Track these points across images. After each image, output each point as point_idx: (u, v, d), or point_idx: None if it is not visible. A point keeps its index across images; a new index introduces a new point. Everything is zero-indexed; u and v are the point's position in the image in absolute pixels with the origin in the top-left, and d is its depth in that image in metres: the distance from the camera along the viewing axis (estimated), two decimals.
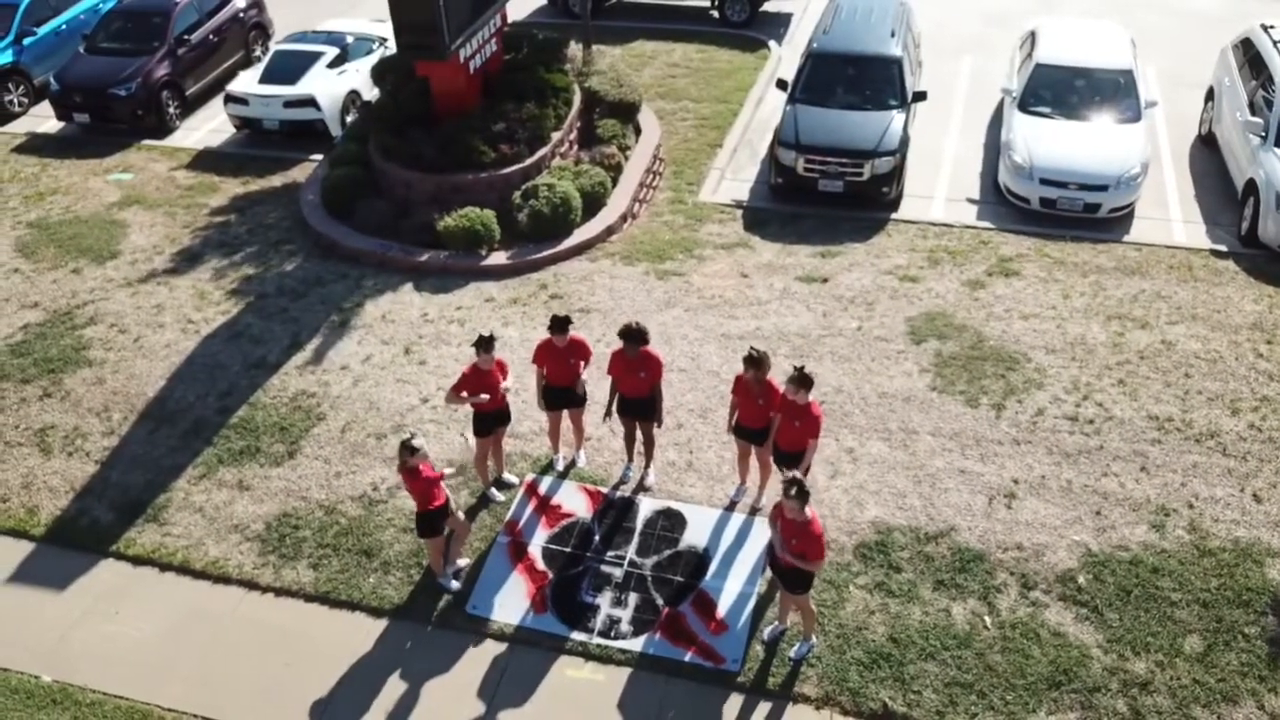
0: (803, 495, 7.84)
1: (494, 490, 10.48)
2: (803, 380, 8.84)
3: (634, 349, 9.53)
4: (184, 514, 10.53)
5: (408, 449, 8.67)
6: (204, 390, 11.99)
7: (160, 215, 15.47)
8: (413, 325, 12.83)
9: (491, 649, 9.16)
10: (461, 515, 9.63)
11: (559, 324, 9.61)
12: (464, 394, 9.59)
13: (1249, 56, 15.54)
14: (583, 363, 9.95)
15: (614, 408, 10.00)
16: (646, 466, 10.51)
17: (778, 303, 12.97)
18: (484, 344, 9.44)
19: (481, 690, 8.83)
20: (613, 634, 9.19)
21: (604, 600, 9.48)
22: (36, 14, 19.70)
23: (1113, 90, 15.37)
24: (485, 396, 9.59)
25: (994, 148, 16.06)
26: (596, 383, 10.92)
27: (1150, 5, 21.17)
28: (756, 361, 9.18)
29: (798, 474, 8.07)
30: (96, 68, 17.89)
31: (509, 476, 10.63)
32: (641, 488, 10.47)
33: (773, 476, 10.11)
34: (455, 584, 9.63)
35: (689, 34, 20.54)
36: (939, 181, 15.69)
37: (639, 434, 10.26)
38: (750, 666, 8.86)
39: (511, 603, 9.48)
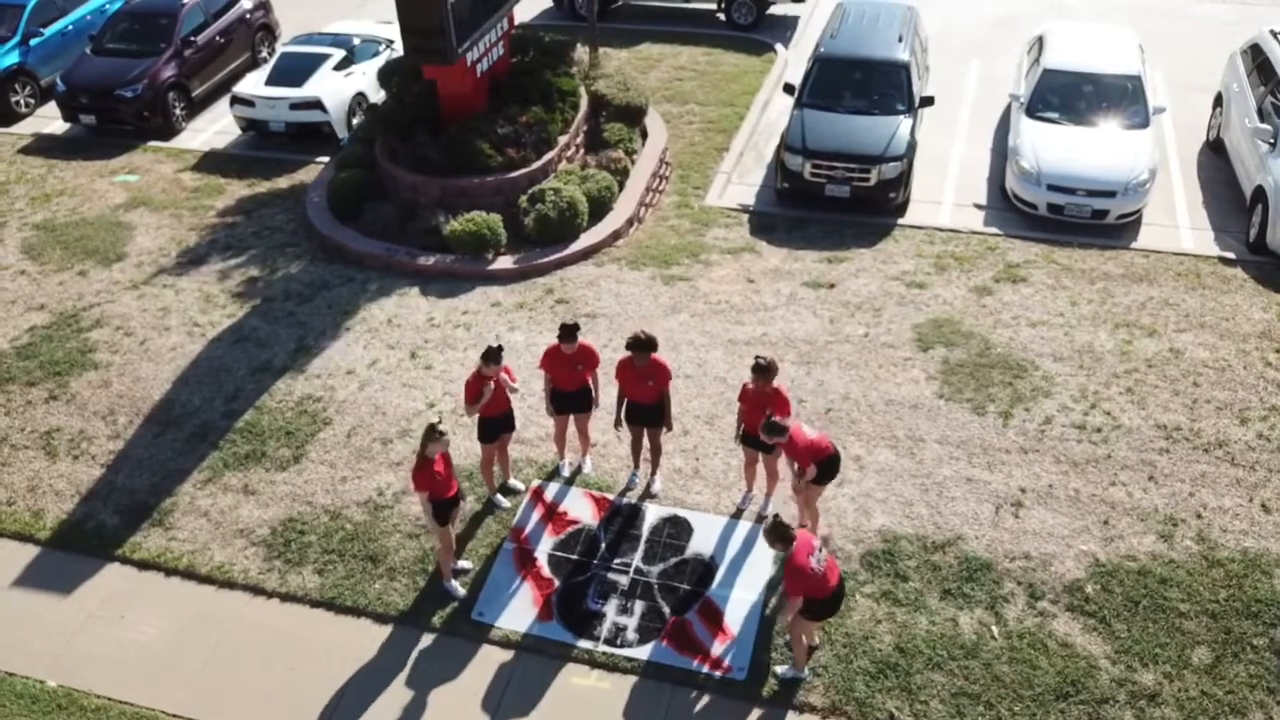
0: (769, 532, 8.06)
1: (499, 496, 10.47)
2: (773, 428, 8.94)
3: (643, 358, 9.52)
4: (189, 518, 10.52)
5: (435, 433, 8.70)
6: (210, 394, 11.99)
7: (166, 217, 15.47)
8: (419, 329, 12.82)
9: (497, 656, 9.14)
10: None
11: (568, 332, 9.60)
12: (474, 400, 9.60)
13: (1258, 62, 15.49)
14: (591, 370, 9.94)
15: (622, 415, 9.99)
16: (653, 473, 10.49)
17: (784, 308, 12.94)
18: (493, 355, 9.46)
19: (487, 697, 8.81)
20: (619, 642, 9.17)
21: (610, 608, 9.45)
22: (43, 15, 19.69)
23: (1121, 96, 15.33)
24: (491, 386, 9.59)
25: (1001, 153, 16.02)
26: (604, 390, 10.91)
27: (1158, 10, 21.12)
28: (765, 369, 9.17)
29: (776, 513, 8.36)
30: (103, 69, 17.88)
31: (514, 483, 10.61)
32: (648, 495, 10.44)
33: (780, 484, 10.10)
34: (460, 589, 9.60)
35: (695, 37, 20.51)
36: (946, 187, 15.66)
37: (646, 441, 10.24)
38: (757, 675, 8.83)
39: (517, 610, 9.46)
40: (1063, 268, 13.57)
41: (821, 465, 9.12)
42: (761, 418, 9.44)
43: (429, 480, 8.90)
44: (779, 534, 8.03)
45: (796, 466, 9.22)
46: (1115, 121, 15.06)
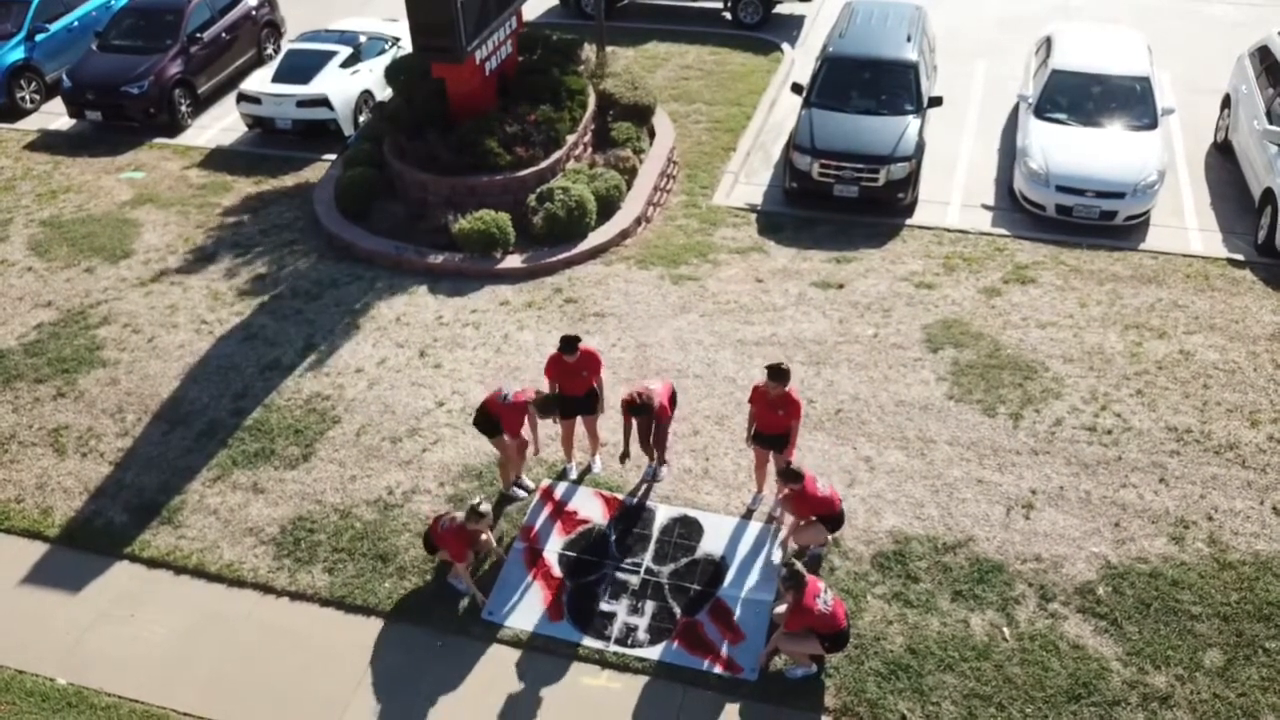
0: (785, 580, 8.37)
1: (515, 489, 10.45)
2: (789, 475, 9.19)
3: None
4: (198, 516, 10.50)
5: (475, 514, 9.03)
6: (218, 392, 11.97)
7: (173, 214, 15.45)
8: (427, 328, 12.80)
9: (507, 655, 9.13)
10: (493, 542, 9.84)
11: (568, 344, 9.68)
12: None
13: (1266, 64, 15.47)
14: (595, 375, 10.00)
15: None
16: (660, 463, 10.47)
17: (793, 308, 12.92)
18: (549, 407, 9.79)
19: (497, 697, 8.80)
20: (629, 642, 9.16)
21: (621, 608, 9.44)
22: (49, 11, 19.69)
23: (1129, 97, 15.31)
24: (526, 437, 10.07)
25: (1009, 153, 16.00)
26: (612, 388, 10.92)
27: (1167, 11, 21.10)
28: (783, 374, 9.29)
29: (794, 560, 8.66)
30: (109, 65, 17.86)
31: (525, 480, 10.59)
32: (654, 480, 10.47)
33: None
34: (465, 587, 9.56)
35: (702, 36, 20.48)
36: (954, 187, 15.64)
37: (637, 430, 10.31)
38: (767, 676, 8.82)
39: (528, 609, 9.45)
40: (1071, 269, 13.55)
41: (824, 519, 9.39)
42: (773, 418, 9.49)
43: (460, 549, 9.21)
44: (793, 582, 8.29)
45: (791, 508, 9.48)
46: (1124, 123, 15.04)
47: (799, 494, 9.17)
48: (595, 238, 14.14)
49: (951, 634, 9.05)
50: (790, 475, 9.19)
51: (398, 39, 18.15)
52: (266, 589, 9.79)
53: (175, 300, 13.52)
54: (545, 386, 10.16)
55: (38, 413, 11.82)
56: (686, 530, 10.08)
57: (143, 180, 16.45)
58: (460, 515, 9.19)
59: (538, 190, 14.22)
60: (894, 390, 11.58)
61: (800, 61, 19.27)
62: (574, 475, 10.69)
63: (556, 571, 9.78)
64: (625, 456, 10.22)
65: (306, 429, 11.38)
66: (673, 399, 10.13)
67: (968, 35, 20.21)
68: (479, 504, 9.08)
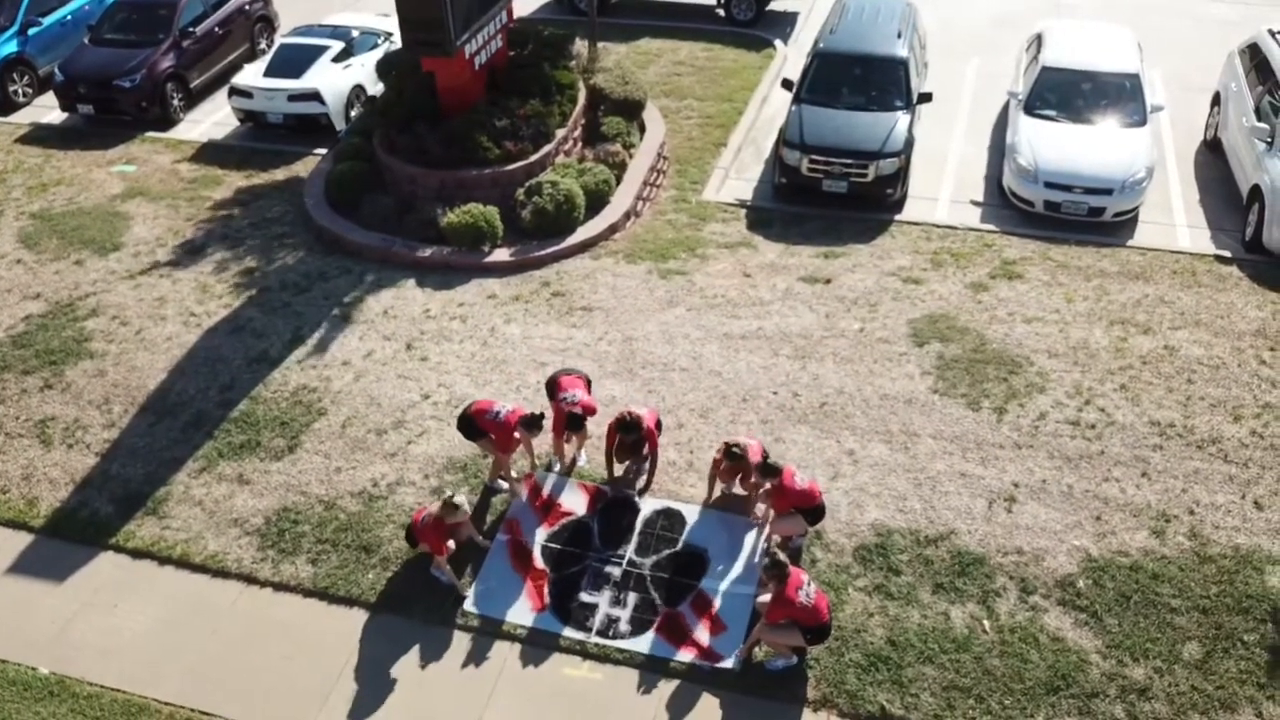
0: (767, 569, 8.47)
1: (499, 481, 10.49)
2: (768, 470, 9.39)
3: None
4: (184, 507, 10.52)
5: (449, 507, 9.14)
6: (205, 384, 11.98)
7: (163, 208, 15.46)
8: (415, 321, 12.82)
9: (490, 646, 9.16)
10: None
11: (535, 421, 9.93)
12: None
13: (1256, 62, 15.50)
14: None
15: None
16: (645, 490, 10.51)
17: (780, 303, 12.95)
18: (536, 425, 9.93)
19: (479, 688, 8.83)
20: (611, 633, 9.19)
21: (603, 599, 9.47)
22: (42, 4, 19.68)
23: (1118, 94, 15.34)
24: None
25: (998, 150, 16.03)
26: (599, 380, 10.94)
27: (1157, 9, 21.11)
28: (737, 458, 9.60)
29: (776, 550, 8.68)
30: (101, 59, 17.86)
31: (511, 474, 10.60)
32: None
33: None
34: (447, 577, 9.58)
35: (694, 32, 20.49)
36: (943, 183, 15.66)
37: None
38: (748, 667, 8.84)
39: (510, 600, 9.47)
40: (1059, 265, 13.58)
41: (804, 511, 9.47)
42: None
43: (438, 542, 9.30)
44: (776, 572, 8.37)
45: (771, 502, 9.55)
46: (1113, 119, 15.07)
47: (778, 488, 9.23)
48: (583, 232, 14.16)
49: (932, 626, 9.08)
50: (769, 470, 9.27)
51: (390, 34, 18.16)
52: (250, 580, 9.81)
53: (164, 293, 13.54)
54: (538, 376, 10.22)
55: (25, 404, 11.84)
56: (669, 522, 10.10)
57: (134, 174, 16.46)
58: (437, 508, 9.23)
59: (526, 184, 14.24)
60: (879, 384, 11.60)
61: (793, 58, 19.28)
62: (558, 467, 10.71)
63: (539, 563, 9.80)
64: (611, 478, 10.40)
65: (292, 421, 11.40)
66: (658, 425, 10.31)
67: (961, 32, 20.23)
68: (451, 496, 9.17)
